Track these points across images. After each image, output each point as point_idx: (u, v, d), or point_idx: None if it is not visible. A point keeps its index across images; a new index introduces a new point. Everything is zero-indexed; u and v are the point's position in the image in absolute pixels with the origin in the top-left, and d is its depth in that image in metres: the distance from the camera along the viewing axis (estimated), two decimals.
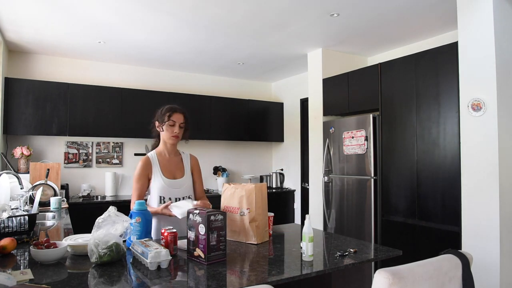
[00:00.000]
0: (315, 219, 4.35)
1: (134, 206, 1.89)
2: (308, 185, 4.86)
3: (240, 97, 5.80)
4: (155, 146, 2.36)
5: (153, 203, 2.19)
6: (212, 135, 5.37)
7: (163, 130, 2.24)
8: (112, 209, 1.69)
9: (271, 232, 2.18)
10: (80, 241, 1.76)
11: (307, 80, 4.88)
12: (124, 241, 1.75)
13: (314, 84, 4.59)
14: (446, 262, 1.37)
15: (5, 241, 1.70)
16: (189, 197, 2.26)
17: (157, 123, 2.27)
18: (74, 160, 4.75)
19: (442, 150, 3.12)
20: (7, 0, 3.07)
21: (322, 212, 4.31)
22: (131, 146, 5.12)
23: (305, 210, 5.36)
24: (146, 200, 2.15)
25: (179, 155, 2.35)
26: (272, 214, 2.20)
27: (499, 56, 2.62)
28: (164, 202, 2.16)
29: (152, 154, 2.26)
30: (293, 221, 5.66)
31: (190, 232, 1.71)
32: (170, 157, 2.29)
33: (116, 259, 1.59)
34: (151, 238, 1.84)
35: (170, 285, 1.38)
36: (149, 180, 2.20)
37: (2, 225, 1.96)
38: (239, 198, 2.04)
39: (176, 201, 2.19)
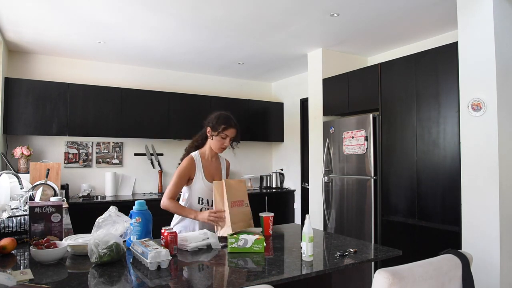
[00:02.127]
0: (315, 219, 4.35)
1: (134, 206, 1.89)
2: (308, 185, 4.86)
3: (240, 97, 5.80)
4: (193, 144, 2.38)
5: (193, 202, 2.25)
6: None
7: (212, 139, 2.26)
8: (112, 209, 1.70)
9: (271, 232, 2.19)
10: (80, 241, 1.76)
11: (307, 80, 4.88)
12: (124, 241, 1.75)
13: (314, 84, 4.59)
14: (446, 262, 1.37)
15: (5, 241, 1.70)
16: None
17: (208, 129, 2.27)
18: (74, 160, 4.75)
19: (442, 150, 3.12)
20: (7, 0, 3.07)
21: (322, 212, 4.31)
22: (131, 146, 5.12)
23: (305, 210, 5.36)
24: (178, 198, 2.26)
25: (218, 159, 2.40)
26: (272, 214, 2.20)
27: (499, 56, 2.62)
28: (202, 203, 2.23)
29: (196, 155, 2.28)
30: (293, 221, 5.66)
31: None
32: (211, 161, 2.33)
33: (116, 259, 1.59)
34: (151, 238, 1.84)
35: (170, 285, 1.38)
36: (189, 179, 2.24)
37: (2, 225, 1.96)
38: None
39: (207, 203, 2.25)
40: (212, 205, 2.23)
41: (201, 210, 2.22)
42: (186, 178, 2.23)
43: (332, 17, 3.43)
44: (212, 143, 2.27)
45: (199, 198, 2.23)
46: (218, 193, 2.10)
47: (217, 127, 2.22)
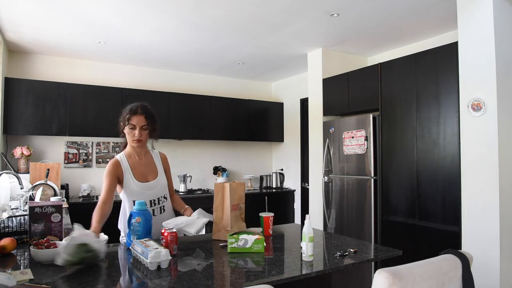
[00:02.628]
0: (315, 219, 4.35)
1: (134, 206, 1.90)
2: (308, 185, 4.86)
3: (240, 97, 5.80)
4: (124, 145, 2.24)
5: (127, 207, 2.13)
6: (212, 135, 5.37)
7: (125, 134, 2.14)
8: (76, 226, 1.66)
9: (271, 232, 2.19)
10: None
11: (307, 80, 4.88)
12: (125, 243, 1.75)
13: (314, 84, 4.59)
14: (446, 262, 1.37)
15: (5, 241, 1.70)
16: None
17: (120, 124, 2.15)
18: (74, 160, 4.75)
19: (442, 150, 3.12)
20: (7, 0, 3.07)
21: (322, 212, 4.31)
22: None
23: (305, 210, 5.36)
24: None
25: (149, 155, 2.24)
26: (272, 214, 2.20)
27: (499, 56, 2.62)
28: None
29: (121, 157, 2.15)
30: (293, 221, 5.66)
31: None
32: (140, 159, 2.18)
33: (90, 258, 1.54)
34: (151, 238, 1.84)
35: (170, 285, 1.38)
36: (119, 181, 2.11)
37: (2, 225, 1.96)
38: None
39: (151, 204, 2.11)
40: (158, 204, 2.16)
41: (153, 212, 2.09)
42: (115, 181, 2.08)
43: (332, 17, 3.43)
44: (127, 138, 2.13)
45: (134, 201, 1.98)
46: (219, 196, 2.07)
47: (123, 118, 2.10)
